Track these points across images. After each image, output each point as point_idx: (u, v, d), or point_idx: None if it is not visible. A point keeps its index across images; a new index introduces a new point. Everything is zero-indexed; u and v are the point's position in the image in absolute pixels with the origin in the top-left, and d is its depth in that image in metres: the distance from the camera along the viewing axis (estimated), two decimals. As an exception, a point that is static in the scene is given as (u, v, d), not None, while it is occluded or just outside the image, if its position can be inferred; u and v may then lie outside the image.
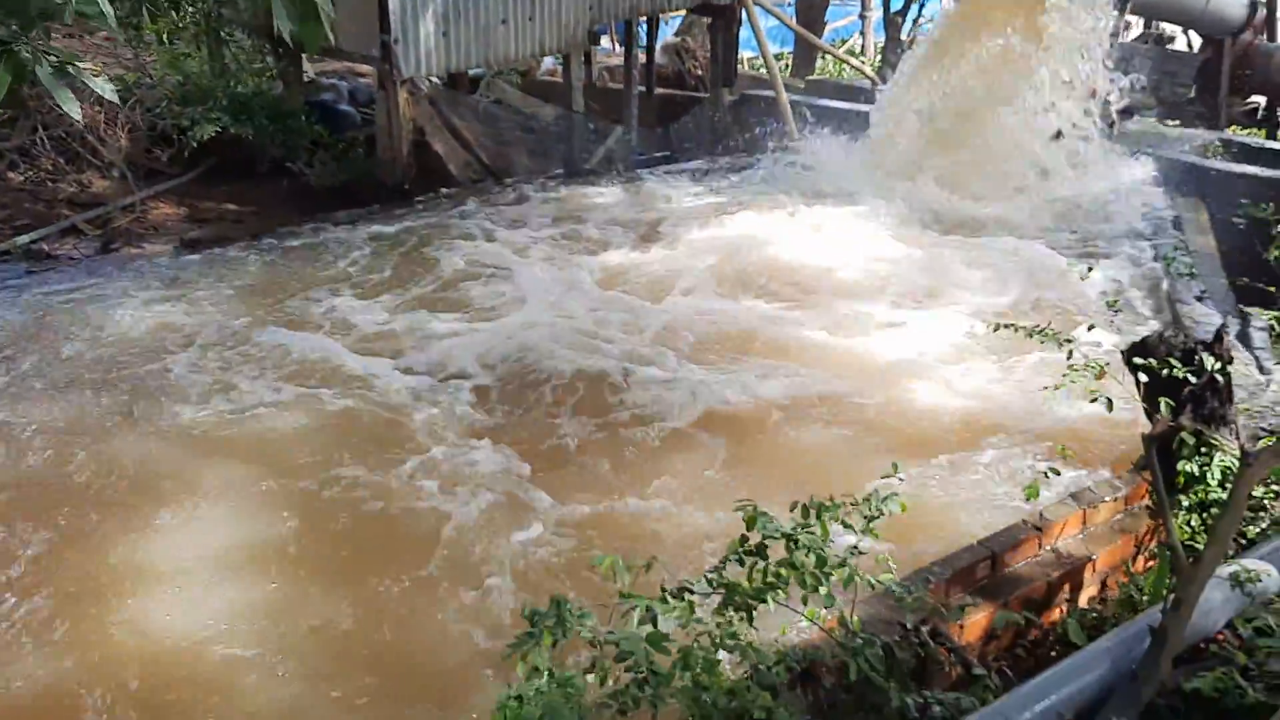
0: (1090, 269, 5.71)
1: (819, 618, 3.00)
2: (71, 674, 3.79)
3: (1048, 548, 4.04)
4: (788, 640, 3.12)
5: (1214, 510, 4.11)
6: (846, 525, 3.01)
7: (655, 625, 2.66)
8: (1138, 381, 4.18)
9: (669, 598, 2.74)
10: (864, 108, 11.71)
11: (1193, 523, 4.16)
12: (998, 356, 6.21)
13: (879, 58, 16.48)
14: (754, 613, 2.86)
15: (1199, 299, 6.83)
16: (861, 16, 20.13)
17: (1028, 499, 3.89)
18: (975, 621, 3.61)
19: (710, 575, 2.89)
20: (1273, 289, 7.06)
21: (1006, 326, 4.44)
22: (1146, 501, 4.35)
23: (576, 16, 10.69)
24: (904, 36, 14.72)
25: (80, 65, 3.01)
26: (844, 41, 20.35)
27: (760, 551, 2.89)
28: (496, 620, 4.04)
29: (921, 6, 15.99)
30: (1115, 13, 10.08)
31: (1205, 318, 6.39)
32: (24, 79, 2.85)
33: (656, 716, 2.56)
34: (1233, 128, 12.00)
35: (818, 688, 2.94)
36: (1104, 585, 4.12)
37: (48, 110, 9.37)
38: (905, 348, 6.48)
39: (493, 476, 4.99)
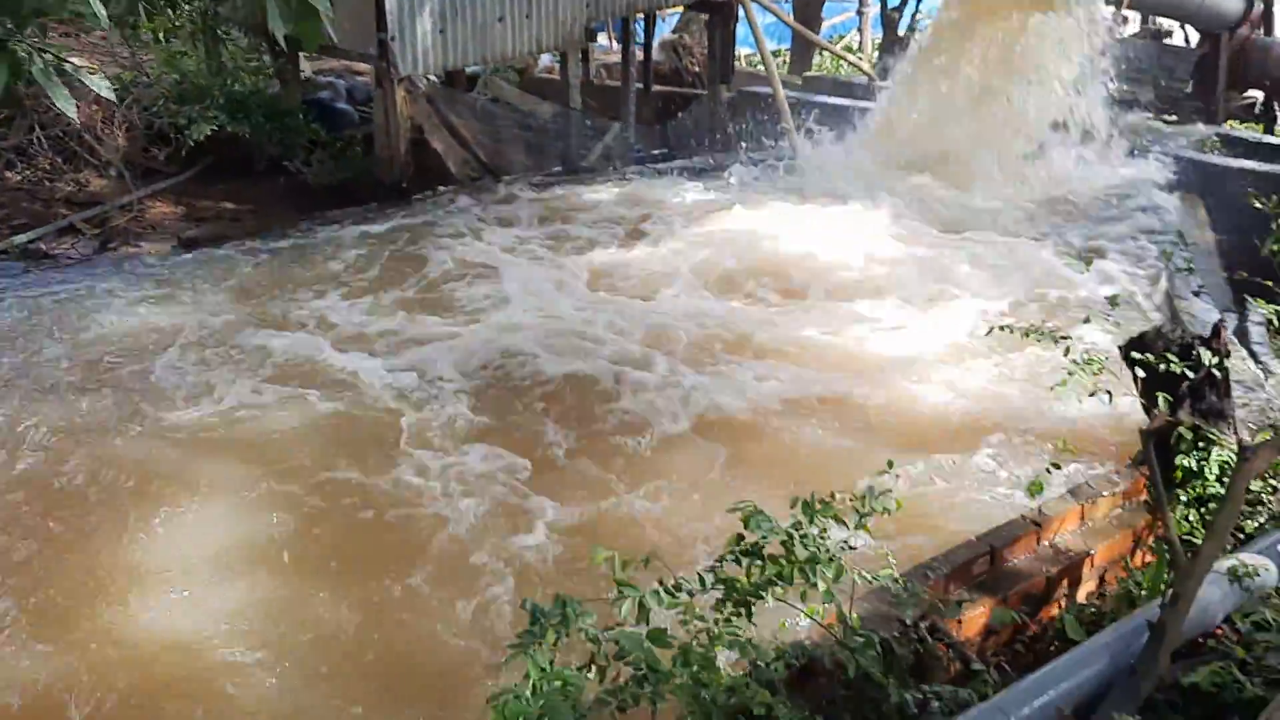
0: (1089, 262, 5.70)
1: (818, 614, 3.00)
2: (69, 675, 3.78)
3: (1046, 543, 4.03)
4: (786, 637, 3.12)
5: (1212, 505, 4.11)
6: (840, 521, 3.01)
7: (648, 620, 2.65)
8: (1135, 377, 4.18)
9: (663, 592, 2.73)
10: (862, 104, 11.71)
11: (1191, 518, 4.16)
12: (997, 355, 6.19)
13: (876, 54, 16.47)
14: (753, 609, 2.86)
15: (1197, 294, 6.83)
16: (859, 13, 20.10)
17: (1031, 495, 3.89)
18: (974, 617, 3.61)
19: (705, 573, 2.89)
20: (1270, 283, 7.05)
21: (1004, 329, 4.43)
22: (1145, 497, 4.35)
23: (573, 14, 10.67)
24: (901, 33, 14.69)
25: (77, 64, 3.00)
26: (841, 38, 20.32)
27: (757, 551, 2.88)
28: (496, 620, 4.03)
29: (919, 2, 15.95)
30: (1112, 8, 10.09)
31: (1203, 312, 6.40)
32: (20, 77, 2.85)
33: (655, 713, 2.56)
34: (1230, 122, 12.00)
35: (817, 684, 2.94)
36: (1102, 580, 4.11)
37: (45, 109, 9.35)
38: (905, 346, 6.47)
39: (488, 476, 4.98)
